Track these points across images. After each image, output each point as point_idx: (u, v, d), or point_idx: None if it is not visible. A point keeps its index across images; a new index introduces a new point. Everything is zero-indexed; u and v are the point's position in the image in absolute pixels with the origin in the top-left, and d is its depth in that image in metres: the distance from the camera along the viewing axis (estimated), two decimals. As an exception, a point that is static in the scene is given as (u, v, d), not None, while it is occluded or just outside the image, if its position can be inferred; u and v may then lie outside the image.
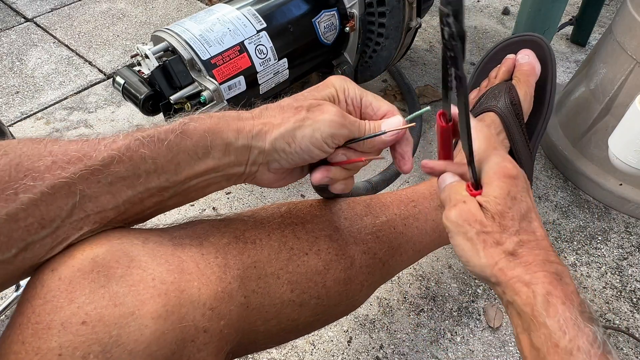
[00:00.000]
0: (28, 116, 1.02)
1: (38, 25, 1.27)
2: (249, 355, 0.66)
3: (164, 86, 0.69)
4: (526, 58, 0.71)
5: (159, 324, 0.30)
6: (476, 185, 0.38)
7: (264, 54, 0.75)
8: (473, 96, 0.76)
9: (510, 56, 0.73)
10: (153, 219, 0.38)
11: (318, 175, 0.40)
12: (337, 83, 0.39)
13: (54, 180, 0.30)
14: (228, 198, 0.86)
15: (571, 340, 0.31)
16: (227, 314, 0.35)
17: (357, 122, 0.38)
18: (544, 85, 0.72)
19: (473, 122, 0.37)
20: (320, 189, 0.45)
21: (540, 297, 0.33)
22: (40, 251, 0.31)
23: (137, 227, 0.37)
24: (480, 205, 0.36)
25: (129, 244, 0.32)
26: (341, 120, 0.37)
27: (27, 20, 1.29)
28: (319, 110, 0.36)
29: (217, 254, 0.36)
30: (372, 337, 0.68)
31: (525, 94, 0.68)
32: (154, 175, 0.34)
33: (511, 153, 0.68)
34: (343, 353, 0.66)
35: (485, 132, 0.38)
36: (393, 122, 0.39)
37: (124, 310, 0.29)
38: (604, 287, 0.74)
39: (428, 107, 0.39)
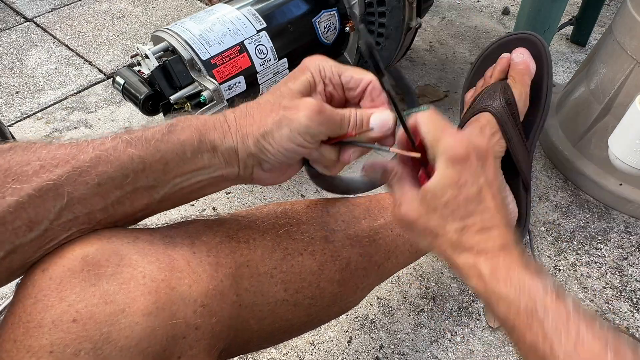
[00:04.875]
0: (28, 116, 1.02)
1: (38, 25, 1.27)
2: (249, 355, 0.66)
3: (164, 86, 0.69)
4: (520, 57, 0.71)
5: (149, 321, 0.30)
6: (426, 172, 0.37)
7: (264, 54, 0.75)
8: (469, 96, 0.77)
9: (505, 55, 0.72)
10: (147, 218, 0.38)
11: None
12: (312, 65, 0.37)
13: (41, 183, 0.30)
14: (228, 198, 0.86)
15: (529, 300, 0.32)
16: (219, 312, 0.35)
17: (338, 116, 0.36)
18: (539, 83, 0.72)
19: (423, 114, 0.37)
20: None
21: (487, 277, 0.34)
22: (28, 253, 0.31)
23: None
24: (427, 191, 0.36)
25: (119, 243, 0.32)
26: (318, 118, 0.35)
27: (27, 20, 1.29)
28: (295, 108, 0.35)
29: (209, 252, 0.36)
30: (372, 337, 0.68)
31: (521, 93, 0.68)
32: (142, 174, 0.34)
33: (508, 152, 0.68)
34: (343, 353, 0.66)
35: (430, 116, 0.37)
36: (382, 116, 0.37)
37: (114, 307, 0.29)
38: (604, 287, 0.74)
39: (427, 106, 0.37)
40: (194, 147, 0.35)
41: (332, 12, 0.82)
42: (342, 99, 0.39)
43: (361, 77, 0.38)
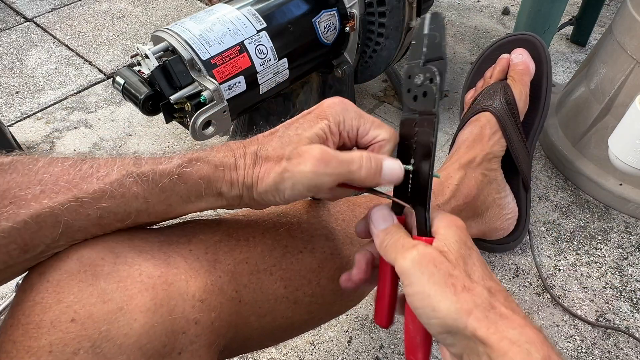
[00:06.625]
0: (28, 116, 1.02)
1: (38, 25, 1.27)
2: (249, 355, 0.66)
3: (164, 86, 0.69)
4: (520, 57, 0.71)
5: (148, 317, 0.30)
6: (425, 233, 0.35)
7: (264, 54, 0.75)
8: (469, 96, 0.77)
9: (505, 56, 0.73)
10: None
11: None
12: (333, 114, 0.36)
13: (39, 210, 0.30)
14: (228, 198, 0.86)
15: None
16: (218, 307, 0.35)
17: (347, 163, 0.34)
18: (539, 83, 0.72)
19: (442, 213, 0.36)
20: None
21: None
22: (21, 270, 0.31)
23: None
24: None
25: (113, 242, 0.33)
26: (323, 170, 0.33)
27: (27, 20, 1.29)
28: (298, 158, 0.34)
29: (207, 250, 0.37)
30: (372, 337, 0.68)
31: (520, 92, 0.68)
32: (145, 213, 0.34)
33: (508, 152, 0.68)
34: (343, 353, 0.66)
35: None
36: (395, 166, 0.36)
37: (112, 306, 0.29)
38: (604, 287, 0.74)
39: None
40: (200, 193, 0.35)
41: (332, 12, 0.82)
42: (352, 146, 0.39)
43: (377, 133, 0.37)
